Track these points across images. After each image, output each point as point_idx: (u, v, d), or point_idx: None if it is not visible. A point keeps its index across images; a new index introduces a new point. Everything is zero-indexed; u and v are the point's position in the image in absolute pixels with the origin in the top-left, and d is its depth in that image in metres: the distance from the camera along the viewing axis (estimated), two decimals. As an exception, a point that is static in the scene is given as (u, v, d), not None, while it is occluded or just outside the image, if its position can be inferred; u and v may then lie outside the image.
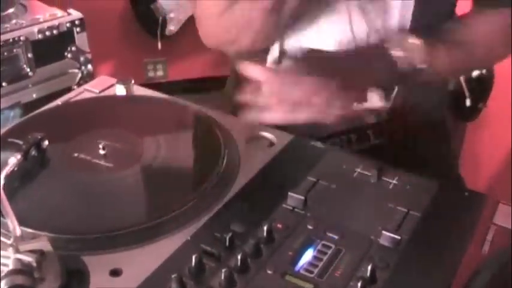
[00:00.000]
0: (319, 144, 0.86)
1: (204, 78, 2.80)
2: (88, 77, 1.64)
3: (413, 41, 0.87)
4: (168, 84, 2.90)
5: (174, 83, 2.90)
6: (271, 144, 0.87)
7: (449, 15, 1.02)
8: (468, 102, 1.99)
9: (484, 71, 1.94)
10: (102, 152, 0.80)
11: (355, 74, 0.86)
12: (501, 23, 0.95)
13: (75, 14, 1.61)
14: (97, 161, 0.79)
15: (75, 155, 0.80)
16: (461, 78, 1.95)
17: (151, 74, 2.92)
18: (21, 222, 0.64)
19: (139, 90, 0.99)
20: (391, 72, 0.88)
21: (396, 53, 0.87)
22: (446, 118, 1.17)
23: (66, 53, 1.59)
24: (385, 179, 0.79)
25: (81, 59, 1.62)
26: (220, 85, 1.20)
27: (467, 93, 1.98)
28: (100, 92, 0.99)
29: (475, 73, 1.94)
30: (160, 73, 2.93)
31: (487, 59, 1.03)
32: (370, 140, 1.04)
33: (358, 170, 0.80)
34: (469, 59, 0.97)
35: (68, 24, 1.58)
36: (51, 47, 1.56)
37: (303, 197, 0.73)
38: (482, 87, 2.00)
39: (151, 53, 2.77)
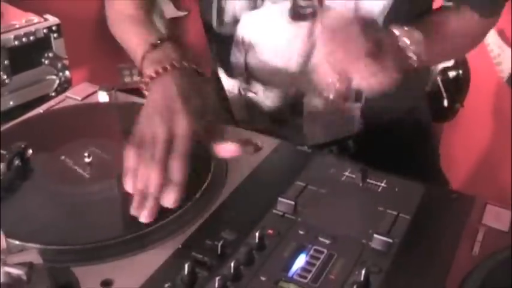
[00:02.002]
0: (305, 148, 0.86)
1: (181, 82, 2.78)
2: (65, 84, 1.62)
3: (418, 35, 0.85)
4: (144, 89, 2.88)
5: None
6: (258, 149, 0.86)
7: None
8: (445, 103, 2.02)
9: (460, 72, 1.97)
10: (87, 160, 0.79)
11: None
12: (470, 19, 0.97)
13: (52, 20, 1.59)
14: (83, 171, 0.77)
15: (61, 164, 0.78)
16: (438, 79, 1.98)
17: (127, 79, 2.89)
18: (8, 234, 0.63)
19: (122, 97, 0.98)
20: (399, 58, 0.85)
21: (405, 42, 0.84)
22: (424, 118, 1.18)
23: (43, 60, 1.56)
24: (373, 182, 0.79)
25: (59, 65, 1.59)
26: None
27: (444, 94, 2.00)
28: (82, 100, 0.98)
29: (452, 73, 1.97)
30: (136, 78, 2.91)
31: (458, 52, 1.09)
32: (351, 150, 1.04)
33: (346, 173, 0.80)
34: (450, 51, 1.02)
35: (44, 30, 1.55)
36: (28, 54, 1.54)
37: (293, 202, 0.73)
38: (458, 88, 2.02)
39: (127, 57, 2.75)
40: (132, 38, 0.93)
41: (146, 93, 0.81)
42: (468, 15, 0.97)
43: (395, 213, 0.73)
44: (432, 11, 1.02)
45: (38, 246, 0.65)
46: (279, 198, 0.73)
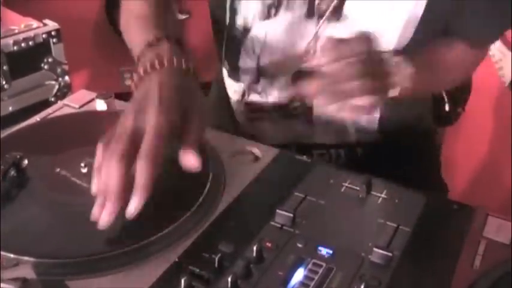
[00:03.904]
0: (305, 158, 0.85)
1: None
2: (65, 89, 1.61)
3: (410, 69, 0.85)
4: (145, 92, 2.87)
5: (152, 90, 2.87)
6: (256, 158, 0.85)
7: None
8: (447, 107, 2.01)
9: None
10: (84, 170, 0.78)
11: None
12: (462, 51, 0.97)
13: (52, 25, 1.59)
14: (79, 181, 0.77)
15: (57, 174, 0.78)
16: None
17: (128, 82, 2.89)
18: (2, 247, 0.62)
19: (120, 105, 0.97)
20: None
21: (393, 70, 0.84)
22: (428, 124, 1.18)
23: (42, 65, 1.56)
24: (373, 193, 0.78)
25: (58, 70, 1.59)
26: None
27: (445, 98, 1.99)
28: (80, 107, 0.97)
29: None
30: (137, 81, 2.90)
31: (453, 82, 1.09)
32: (358, 154, 1.04)
33: (346, 184, 0.80)
34: (441, 83, 1.03)
35: (44, 35, 1.55)
36: (27, 59, 1.54)
37: (291, 214, 0.72)
38: (460, 92, 2.01)
39: (127, 60, 2.74)
40: (134, 38, 0.89)
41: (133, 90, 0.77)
42: (461, 48, 0.96)
43: (395, 225, 0.73)
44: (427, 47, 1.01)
45: (32, 259, 0.64)
46: (277, 210, 0.72)
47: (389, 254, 0.67)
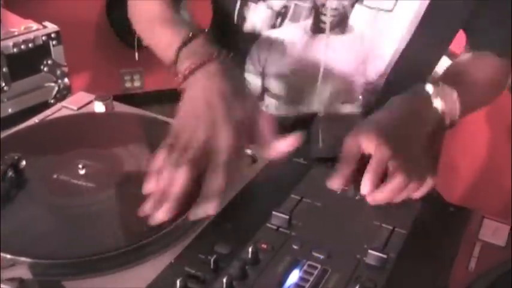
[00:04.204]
0: (302, 161, 0.86)
1: (182, 88, 2.77)
2: (65, 91, 1.62)
3: (451, 91, 0.84)
4: (145, 94, 2.88)
5: (151, 93, 2.89)
6: (254, 161, 0.86)
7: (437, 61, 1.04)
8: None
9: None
10: (81, 172, 0.78)
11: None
12: (493, 66, 0.97)
13: (51, 27, 1.59)
14: (77, 182, 0.77)
15: (55, 175, 0.78)
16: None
17: (128, 84, 2.90)
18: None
19: (119, 107, 0.97)
20: (437, 123, 0.84)
21: (438, 103, 0.83)
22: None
23: (42, 67, 1.57)
24: (369, 195, 0.78)
25: (58, 72, 1.60)
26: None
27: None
28: (78, 109, 0.97)
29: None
30: (137, 83, 2.91)
31: (486, 101, 1.06)
32: None
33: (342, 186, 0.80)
34: (477, 102, 1.00)
35: (43, 38, 1.56)
36: (27, 61, 1.54)
37: (287, 216, 0.72)
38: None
39: (128, 63, 2.76)
40: (163, 37, 0.90)
41: (182, 88, 0.79)
42: (489, 60, 0.96)
43: (390, 227, 0.73)
44: (452, 63, 1.01)
45: (28, 260, 0.64)
46: (273, 212, 0.72)
47: (384, 256, 0.67)
